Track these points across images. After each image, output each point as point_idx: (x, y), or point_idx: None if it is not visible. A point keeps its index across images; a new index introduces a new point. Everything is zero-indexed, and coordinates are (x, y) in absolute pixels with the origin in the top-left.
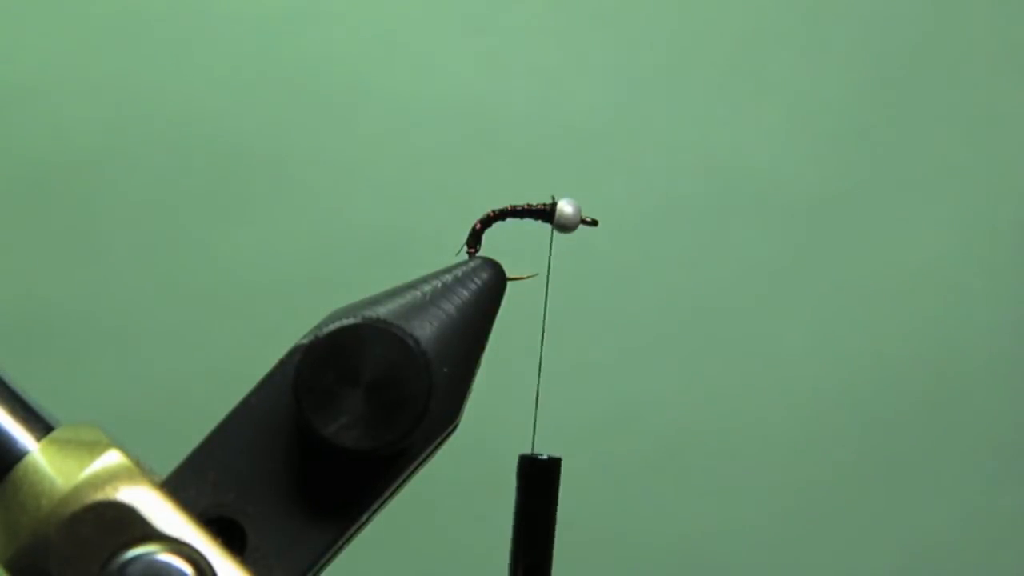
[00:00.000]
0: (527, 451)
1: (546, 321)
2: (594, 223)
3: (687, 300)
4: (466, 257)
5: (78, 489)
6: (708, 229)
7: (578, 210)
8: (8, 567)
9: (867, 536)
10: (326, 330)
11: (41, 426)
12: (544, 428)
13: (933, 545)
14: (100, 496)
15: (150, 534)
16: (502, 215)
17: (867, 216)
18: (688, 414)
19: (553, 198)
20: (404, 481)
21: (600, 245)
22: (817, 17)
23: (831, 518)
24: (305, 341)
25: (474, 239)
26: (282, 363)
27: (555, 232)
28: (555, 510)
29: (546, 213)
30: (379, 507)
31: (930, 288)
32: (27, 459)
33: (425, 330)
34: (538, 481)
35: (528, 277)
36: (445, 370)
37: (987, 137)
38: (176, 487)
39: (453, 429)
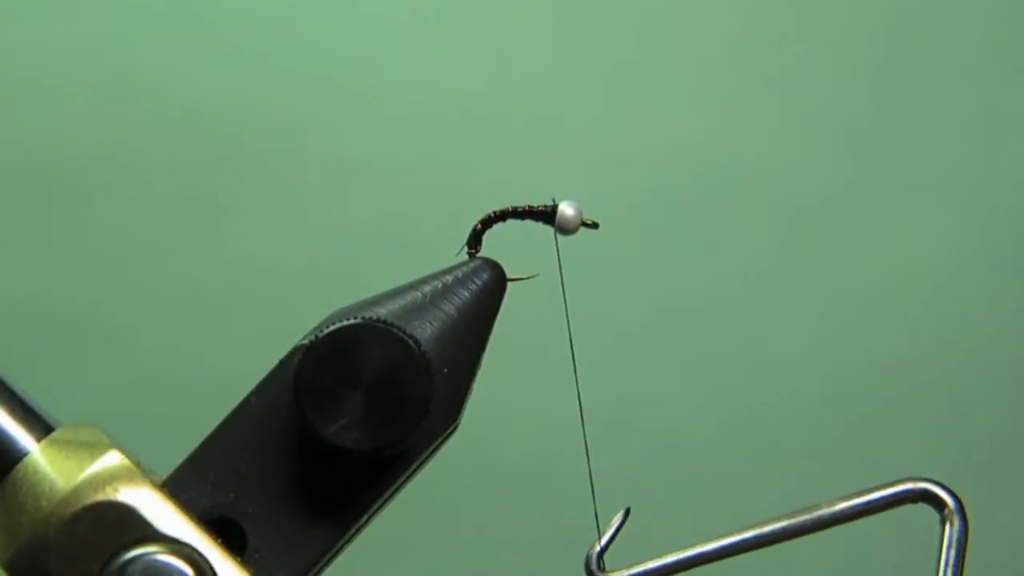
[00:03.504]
0: (527, 451)
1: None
2: (595, 226)
3: (686, 299)
4: (466, 257)
5: (78, 490)
6: (708, 228)
7: (579, 212)
8: (8, 568)
9: (866, 536)
10: (326, 331)
11: (41, 427)
12: (546, 428)
13: (931, 545)
14: (100, 497)
15: (150, 535)
16: (503, 216)
17: (866, 215)
18: (686, 412)
19: (554, 200)
20: (404, 482)
21: (599, 244)
22: (815, 15)
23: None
24: (305, 342)
25: (475, 239)
26: (282, 363)
27: (556, 234)
28: None
29: (547, 215)
30: (379, 508)
31: (929, 287)
32: (27, 460)
33: (425, 331)
34: None
35: (528, 277)
36: (445, 371)
37: (987, 136)
38: (176, 488)
39: (453, 430)
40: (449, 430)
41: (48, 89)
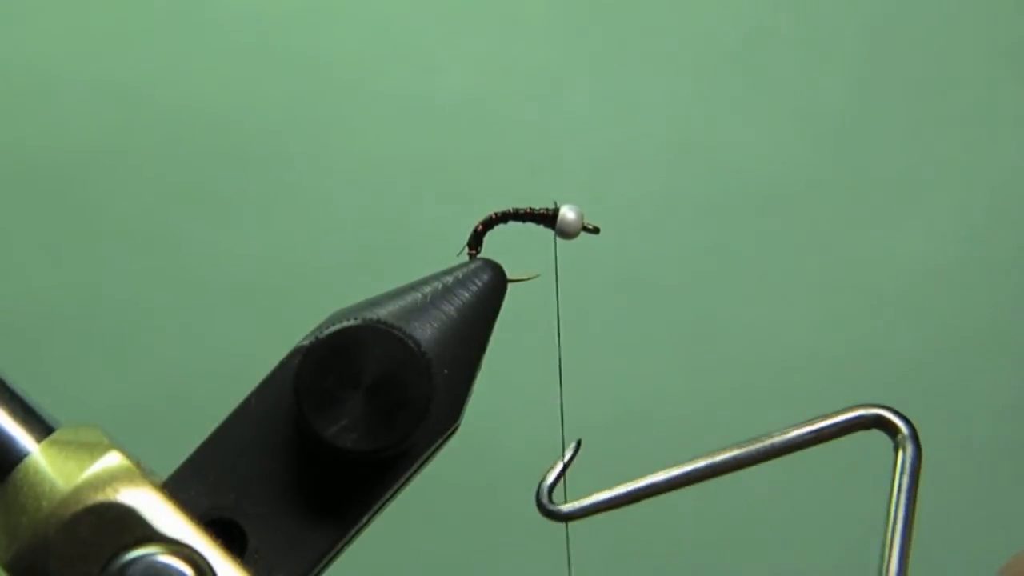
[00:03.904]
0: (527, 451)
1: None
2: (596, 231)
3: (686, 298)
4: (467, 258)
5: (78, 490)
6: (707, 227)
7: (580, 217)
8: (8, 568)
9: (863, 535)
10: (327, 332)
11: (41, 427)
12: (545, 427)
13: (930, 544)
14: (100, 497)
15: (150, 536)
16: (504, 218)
17: (867, 214)
18: (686, 412)
19: (555, 203)
20: (405, 483)
21: (599, 244)
22: (812, 13)
23: (828, 518)
24: (306, 343)
25: (475, 240)
26: (282, 364)
27: (556, 237)
28: None
29: (548, 218)
30: (380, 509)
31: (930, 286)
32: (27, 460)
33: (426, 332)
34: None
35: (529, 278)
36: (446, 372)
37: (984, 130)
38: (176, 488)
39: (454, 431)
40: (450, 431)
41: (49, 85)
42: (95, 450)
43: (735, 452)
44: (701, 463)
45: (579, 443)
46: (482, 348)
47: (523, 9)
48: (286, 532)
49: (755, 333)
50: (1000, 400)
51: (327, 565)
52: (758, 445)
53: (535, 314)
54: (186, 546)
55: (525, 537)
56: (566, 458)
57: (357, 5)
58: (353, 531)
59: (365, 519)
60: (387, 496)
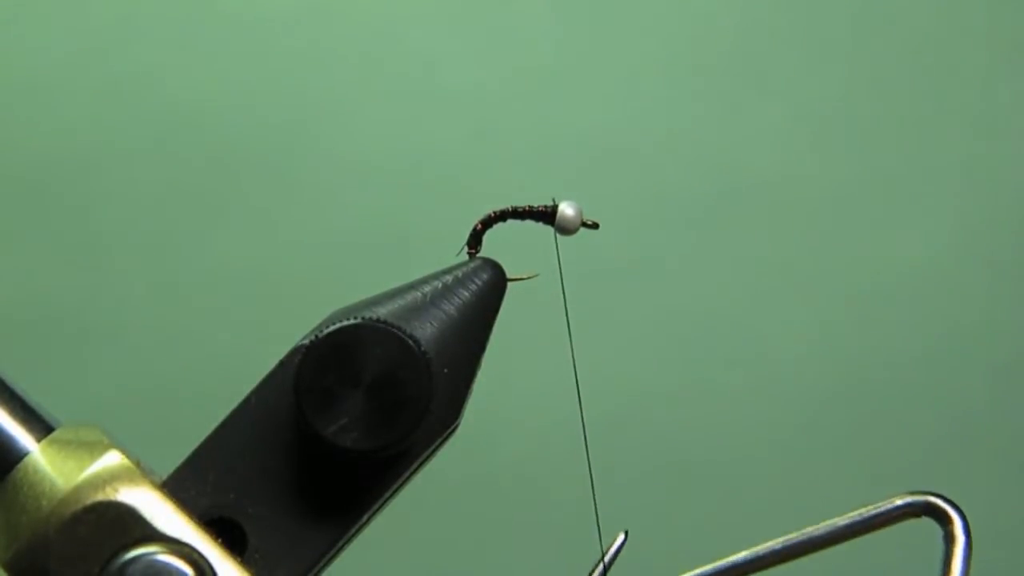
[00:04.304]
0: (526, 451)
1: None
2: (595, 226)
3: (687, 299)
4: (467, 258)
5: (78, 489)
6: (707, 227)
7: (579, 212)
8: (8, 568)
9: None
10: (326, 331)
11: (41, 426)
12: (546, 427)
13: (932, 547)
14: (100, 497)
15: (150, 535)
16: (503, 216)
17: (867, 215)
18: (685, 413)
19: (554, 200)
20: (405, 482)
21: (599, 243)
22: (817, 16)
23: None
24: (305, 342)
25: (475, 239)
26: (282, 364)
27: (556, 234)
28: None
29: (547, 215)
30: (380, 508)
31: (930, 287)
32: (27, 460)
33: (425, 331)
34: None
35: (529, 277)
36: (445, 371)
37: (985, 134)
38: (176, 488)
39: (454, 430)
40: (449, 430)
41: (45, 89)
42: (95, 449)
43: (779, 545)
44: (746, 556)
45: (626, 534)
46: (482, 347)
47: (523, 9)
48: (286, 531)
49: (754, 332)
50: (999, 399)
51: (327, 564)
52: (803, 537)
53: (535, 313)
54: (186, 545)
55: (523, 536)
56: (613, 549)
57: (354, 5)
58: (353, 530)
59: (365, 518)
60: (387, 495)
